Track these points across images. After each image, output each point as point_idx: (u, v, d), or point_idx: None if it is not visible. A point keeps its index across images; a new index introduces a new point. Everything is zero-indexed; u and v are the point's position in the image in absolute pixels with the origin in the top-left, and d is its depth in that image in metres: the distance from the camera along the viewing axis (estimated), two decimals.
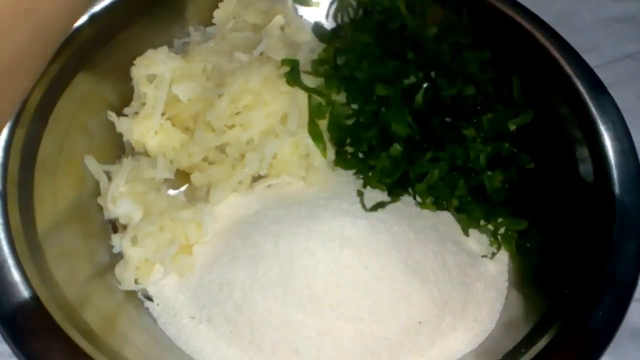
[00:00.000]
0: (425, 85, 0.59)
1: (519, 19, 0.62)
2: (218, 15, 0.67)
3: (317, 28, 0.67)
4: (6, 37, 0.29)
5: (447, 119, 0.59)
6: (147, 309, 0.53)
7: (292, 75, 0.59)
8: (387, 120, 0.58)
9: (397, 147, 0.58)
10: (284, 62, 0.60)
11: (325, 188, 0.59)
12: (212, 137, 0.58)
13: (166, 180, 0.59)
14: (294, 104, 0.59)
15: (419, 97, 0.59)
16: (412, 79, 0.60)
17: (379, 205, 0.57)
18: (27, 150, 0.52)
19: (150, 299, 0.54)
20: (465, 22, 0.63)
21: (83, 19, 0.57)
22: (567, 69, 0.59)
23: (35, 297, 0.45)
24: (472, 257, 0.57)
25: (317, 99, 0.59)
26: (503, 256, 0.58)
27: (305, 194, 0.58)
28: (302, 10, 0.70)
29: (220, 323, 0.51)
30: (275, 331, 0.50)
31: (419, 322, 0.51)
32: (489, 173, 0.57)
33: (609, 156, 0.55)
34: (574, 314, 0.49)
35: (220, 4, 0.67)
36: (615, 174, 0.54)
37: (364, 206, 0.56)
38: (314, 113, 0.59)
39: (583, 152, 0.57)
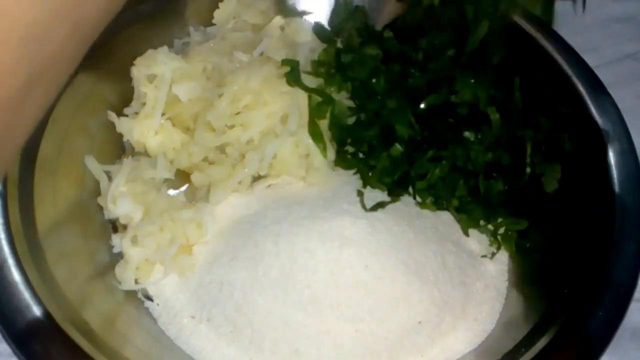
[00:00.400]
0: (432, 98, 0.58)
1: (517, 19, 0.62)
2: (218, 15, 0.67)
3: (318, 28, 0.67)
4: (45, 37, 0.29)
5: (450, 120, 0.59)
6: (147, 308, 0.53)
7: (292, 75, 0.59)
8: (389, 120, 0.58)
9: (398, 147, 0.58)
10: (284, 62, 0.60)
11: (325, 188, 0.59)
12: (213, 137, 0.58)
13: (166, 180, 0.59)
14: (294, 104, 0.59)
15: (423, 104, 0.59)
16: (417, 80, 0.60)
17: (379, 205, 0.56)
18: (27, 150, 0.52)
19: (150, 298, 0.54)
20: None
21: None
22: (567, 69, 0.60)
23: (35, 297, 0.45)
24: (472, 257, 0.57)
25: (317, 99, 0.59)
26: (503, 256, 0.58)
27: (305, 194, 0.58)
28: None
29: (221, 323, 0.51)
30: (275, 331, 0.50)
31: (419, 322, 0.51)
32: (490, 182, 0.57)
33: (609, 156, 0.55)
34: (574, 314, 0.48)
35: (220, 4, 0.67)
36: (615, 174, 0.54)
37: (364, 206, 0.56)
38: (314, 113, 0.59)
39: (583, 152, 0.57)
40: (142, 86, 0.59)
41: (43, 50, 0.29)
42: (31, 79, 0.29)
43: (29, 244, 0.48)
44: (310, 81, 0.60)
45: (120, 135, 0.61)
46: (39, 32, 0.29)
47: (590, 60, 0.60)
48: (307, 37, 0.67)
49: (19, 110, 0.29)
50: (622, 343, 0.51)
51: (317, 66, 0.61)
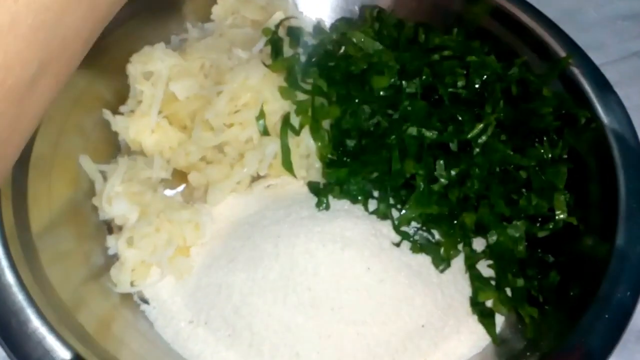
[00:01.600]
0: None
1: (524, 17, 0.62)
2: (216, 11, 0.66)
3: (318, 29, 0.66)
4: (58, 23, 0.28)
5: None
6: (143, 312, 0.53)
7: (291, 78, 0.58)
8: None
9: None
10: (284, 61, 0.59)
11: None
12: (211, 136, 0.58)
13: (163, 180, 0.58)
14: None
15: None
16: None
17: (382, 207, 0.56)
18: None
19: (146, 301, 0.53)
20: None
21: None
22: (573, 67, 0.59)
23: (29, 300, 0.44)
24: None
25: (320, 98, 0.58)
26: None
27: (306, 194, 0.58)
28: (303, 6, 0.69)
29: (219, 326, 0.51)
30: (275, 334, 0.50)
31: (422, 325, 0.50)
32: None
33: (615, 155, 0.54)
34: (578, 317, 0.48)
35: (218, 0, 0.66)
36: (621, 173, 0.53)
37: (366, 208, 0.56)
38: (317, 113, 0.58)
39: (588, 152, 0.56)
40: (138, 83, 0.58)
41: (55, 36, 0.28)
42: (40, 68, 0.28)
43: (22, 245, 0.47)
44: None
45: (116, 134, 0.60)
46: (50, 18, 0.27)
47: (596, 58, 0.60)
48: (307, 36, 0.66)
49: (25, 102, 0.28)
50: (627, 346, 0.51)
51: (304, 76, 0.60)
